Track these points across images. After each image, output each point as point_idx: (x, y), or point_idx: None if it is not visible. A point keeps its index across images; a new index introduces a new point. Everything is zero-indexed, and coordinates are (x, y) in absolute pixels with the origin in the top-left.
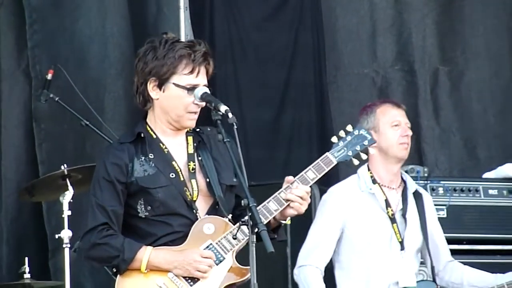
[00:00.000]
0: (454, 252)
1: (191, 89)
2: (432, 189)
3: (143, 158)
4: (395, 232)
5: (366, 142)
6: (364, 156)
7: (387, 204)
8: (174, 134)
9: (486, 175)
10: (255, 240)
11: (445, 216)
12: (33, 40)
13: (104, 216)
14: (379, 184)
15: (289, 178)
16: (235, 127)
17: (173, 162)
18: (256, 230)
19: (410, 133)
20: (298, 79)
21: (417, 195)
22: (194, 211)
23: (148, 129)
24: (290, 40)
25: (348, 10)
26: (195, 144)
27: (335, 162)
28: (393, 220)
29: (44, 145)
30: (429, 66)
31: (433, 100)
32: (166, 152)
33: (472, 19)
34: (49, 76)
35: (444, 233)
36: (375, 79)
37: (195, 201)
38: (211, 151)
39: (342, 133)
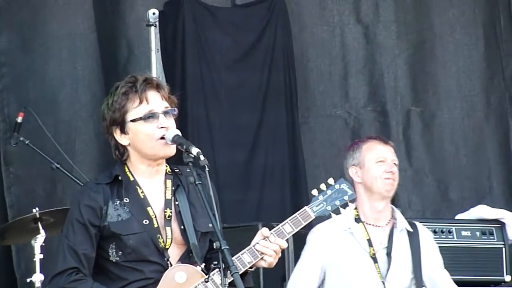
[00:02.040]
0: None
1: (148, 117)
2: None
3: (118, 202)
4: (377, 272)
5: (346, 197)
6: (343, 211)
7: (369, 243)
8: (153, 176)
9: (459, 216)
10: (227, 283)
11: None
12: (1, 83)
13: (74, 260)
14: (363, 222)
15: (264, 230)
16: (207, 169)
17: (148, 208)
18: (228, 272)
19: (395, 170)
20: (270, 120)
21: (412, 233)
22: (165, 259)
23: (127, 170)
24: (262, 81)
25: (320, 51)
26: (173, 188)
27: (313, 217)
28: (374, 259)
29: (13, 189)
30: (401, 107)
31: (405, 141)
32: (142, 196)
33: (444, 60)
34: (19, 119)
35: None
36: (348, 120)
37: (167, 248)
38: (188, 194)
39: (323, 186)
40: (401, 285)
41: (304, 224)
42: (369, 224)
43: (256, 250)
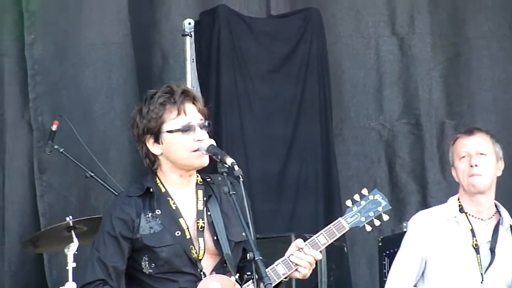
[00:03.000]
0: None
1: (185, 129)
2: None
3: (150, 214)
4: (477, 263)
5: (380, 208)
6: (377, 223)
7: (473, 234)
8: (185, 186)
9: None
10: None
11: None
12: (35, 91)
13: (103, 272)
14: (466, 213)
15: (299, 242)
16: (241, 179)
17: (181, 219)
18: (262, 284)
19: (479, 162)
20: (304, 131)
21: None
22: (199, 270)
23: (158, 181)
24: (297, 92)
25: (355, 62)
26: (205, 199)
27: (347, 228)
28: (476, 250)
29: (45, 197)
30: (435, 119)
31: (439, 154)
32: (174, 208)
33: (479, 73)
34: (54, 127)
35: None
36: (381, 132)
37: (200, 259)
38: (220, 204)
39: (356, 197)
40: (501, 283)
41: (339, 235)
42: (472, 216)
43: (291, 261)
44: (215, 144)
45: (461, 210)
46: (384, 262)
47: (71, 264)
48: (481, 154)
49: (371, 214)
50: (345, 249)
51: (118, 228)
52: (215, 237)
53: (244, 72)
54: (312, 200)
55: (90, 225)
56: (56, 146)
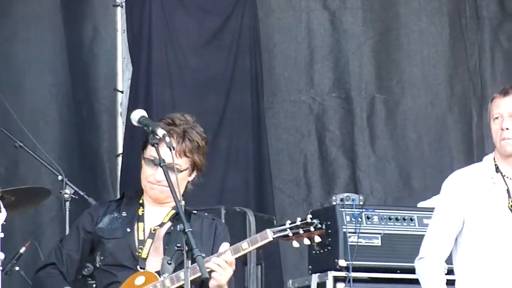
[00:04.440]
0: (388, 281)
1: (151, 160)
2: (367, 218)
3: (116, 214)
4: None
5: (312, 228)
6: (306, 242)
7: (508, 195)
8: (158, 207)
9: (421, 204)
10: (190, 265)
11: (379, 244)
12: None
13: (56, 257)
14: (501, 173)
15: (225, 244)
16: (173, 151)
17: (140, 223)
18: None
19: (509, 125)
20: (236, 104)
21: None
22: (139, 267)
23: (142, 196)
24: (228, 65)
25: (286, 36)
26: (173, 216)
27: (271, 239)
28: None
29: None
30: (366, 94)
31: (369, 128)
32: (140, 213)
33: (409, 48)
34: None
35: (378, 261)
36: (312, 106)
37: (144, 258)
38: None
39: (298, 219)
40: None
41: (261, 244)
42: (507, 177)
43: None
44: (146, 115)
45: (497, 170)
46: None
47: None
48: None
49: (301, 232)
50: (275, 222)
51: (82, 222)
52: (166, 247)
53: (176, 44)
54: (242, 173)
55: (18, 195)
56: None
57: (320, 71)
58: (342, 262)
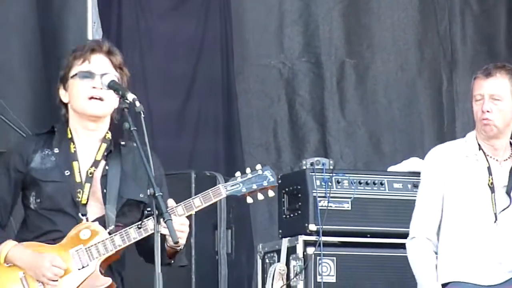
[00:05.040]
0: (358, 245)
1: (84, 76)
2: (337, 182)
3: (47, 151)
4: (492, 202)
5: (265, 183)
6: (260, 197)
7: (489, 172)
8: (88, 137)
9: (391, 168)
10: (160, 230)
11: (349, 208)
12: None
13: None
14: (483, 151)
15: (171, 201)
16: (142, 115)
17: (75, 162)
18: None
19: (490, 107)
20: (205, 69)
21: None
22: (80, 214)
23: (67, 128)
24: (198, 30)
25: (256, 0)
26: (105, 153)
27: (224, 195)
28: (492, 189)
29: None
30: (336, 58)
31: (339, 93)
32: (72, 151)
33: (379, 13)
34: None
35: (348, 226)
36: (282, 70)
37: (84, 204)
38: (121, 164)
39: (247, 170)
40: None
41: (214, 200)
42: (488, 156)
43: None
44: (117, 80)
45: (480, 148)
46: (283, 200)
47: None
48: (495, 99)
49: (254, 186)
50: None
51: (12, 162)
52: (104, 191)
53: (145, 9)
54: (212, 137)
55: None
56: None
57: (289, 35)
58: (312, 227)
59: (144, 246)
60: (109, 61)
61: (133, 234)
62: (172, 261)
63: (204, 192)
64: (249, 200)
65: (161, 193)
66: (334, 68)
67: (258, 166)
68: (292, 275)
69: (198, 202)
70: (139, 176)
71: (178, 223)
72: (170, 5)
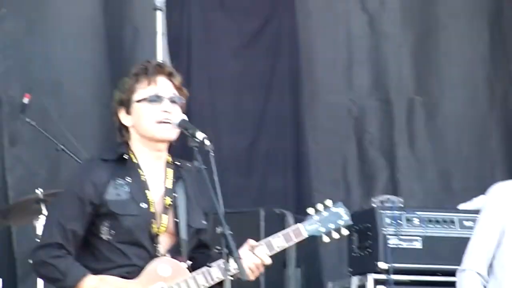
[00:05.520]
0: (428, 284)
1: (153, 99)
2: (407, 220)
3: (119, 181)
4: None
5: (341, 222)
6: (335, 235)
7: None
8: (154, 161)
9: (461, 206)
10: (229, 269)
11: (420, 247)
12: (4, 64)
13: (60, 235)
14: None
15: (251, 241)
16: (212, 154)
17: (147, 192)
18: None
19: None
20: (275, 106)
21: None
22: (155, 245)
23: (130, 153)
24: (267, 67)
25: (325, 38)
26: (174, 180)
27: (305, 236)
28: None
29: (15, 170)
30: (405, 96)
31: (408, 130)
32: (143, 179)
33: (448, 50)
34: (26, 100)
35: (419, 264)
36: (351, 108)
37: (158, 235)
38: (186, 188)
39: (319, 207)
40: None
41: (295, 241)
42: None
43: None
44: (186, 119)
45: None
46: (352, 238)
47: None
48: None
49: (331, 226)
50: None
51: (88, 191)
52: (176, 220)
53: (215, 46)
54: (281, 175)
55: None
56: (27, 119)
57: (359, 73)
58: (382, 265)
59: None
60: (171, 83)
61: (216, 273)
62: None
63: (284, 231)
64: (326, 239)
65: (230, 232)
66: (403, 105)
67: (329, 202)
68: None
69: (278, 242)
70: (198, 202)
71: (252, 262)
72: (240, 43)
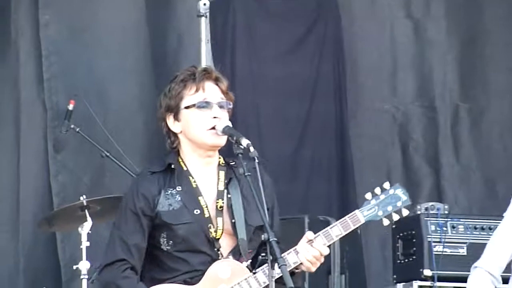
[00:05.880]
0: None
1: (202, 105)
2: (453, 227)
3: (170, 191)
4: None
5: (399, 203)
6: (396, 217)
7: None
8: (205, 164)
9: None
10: (275, 276)
11: (465, 254)
12: (49, 71)
13: (123, 251)
14: None
15: (309, 234)
16: (257, 161)
17: (200, 198)
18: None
19: None
20: (319, 112)
21: None
22: (216, 249)
23: (180, 160)
24: (312, 73)
25: (369, 45)
26: (226, 181)
27: (363, 221)
28: None
29: (59, 177)
30: (450, 102)
31: (453, 137)
32: (194, 186)
33: (493, 57)
34: (70, 107)
35: (464, 271)
36: (396, 114)
37: (218, 239)
38: (242, 188)
39: (377, 190)
40: None
41: (353, 228)
42: None
43: (298, 252)
44: (231, 125)
45: None
46: (397, 245)
47: (84, 243)
48: None
49: (390, 208)
50: (359, 231)
51: (139, 204)
52: (233, 220)
53: (259, 53)
54: (326, 182)
55: (104, 204)
56: (72, 126)
57: (403, 79)
58: (427, 272)
59: None
60: (218, 88)
61: (277, 270)
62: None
63: (341, 220)
64: (385, 222)
65: (275, 239)
66: (448, 112)
67: (387, 185)
68: None
69: (337, 231)
70: (263, 198)
71: (311, 254)
72: (284, 50)
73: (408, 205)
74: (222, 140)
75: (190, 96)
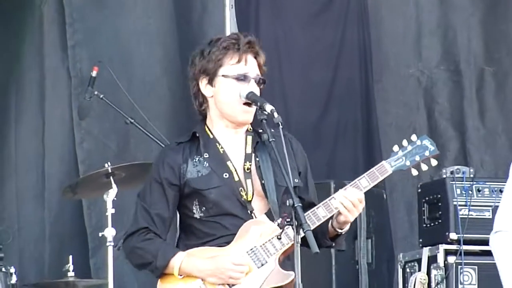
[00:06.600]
0: None
1: (241, 78)
2: (478, 190)
3: (197, 158)
4: None
5: (427, 153)
6: (424, 167)
7: None
8: (233, 133)
9: None
10: (300, 240)
11: (490, 217)
12: (73, 39)
13: (145, 220)
14: None
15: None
16: (281, 126)
17: (228, 162)
18: (301, 230)
19: None
20: (344, 78)
21: None
22: (249, 211)
23: (206, 129)
24: (336, 38)
25: (393, 10)
26: (254, 145)
27: (390, 171)
28: None
29: (84, 144)
30: (475, 66)
31: (478, 101)
32: (222, 151)
33: None
34: (94, 73)
35: (489, 234)
36: (421, 79)
37: (250, 201)
38: (270, 152)
39: (404, 142)
40: None
41: (381, 178)
42: None
43: (331, 204)
44: (254, 91)
45: None
46: (423, 209)
47: (110, 210)
48: None
49: (417, 158)
50: (384, 196)
51: (164, 175)
52: (262, 181)
53: (283, 18)
54: (351, 147)
55: (129, 171)
56: (96, 92)
57: (428, 44)
58: (453, 235)
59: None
60: (256, 62)
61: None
62: (333, 244)
63: (368, 172)
64: (414, 172)
65: (300, 204)
66: (473, 76)
67: (414, 137)
68: (433, 284)
69: (365, 183)
70: (287, 163)
71: (346, 197)
72: (309, 14)
73: (436, 154)
74: (250, 118)
75: (230, 66)
